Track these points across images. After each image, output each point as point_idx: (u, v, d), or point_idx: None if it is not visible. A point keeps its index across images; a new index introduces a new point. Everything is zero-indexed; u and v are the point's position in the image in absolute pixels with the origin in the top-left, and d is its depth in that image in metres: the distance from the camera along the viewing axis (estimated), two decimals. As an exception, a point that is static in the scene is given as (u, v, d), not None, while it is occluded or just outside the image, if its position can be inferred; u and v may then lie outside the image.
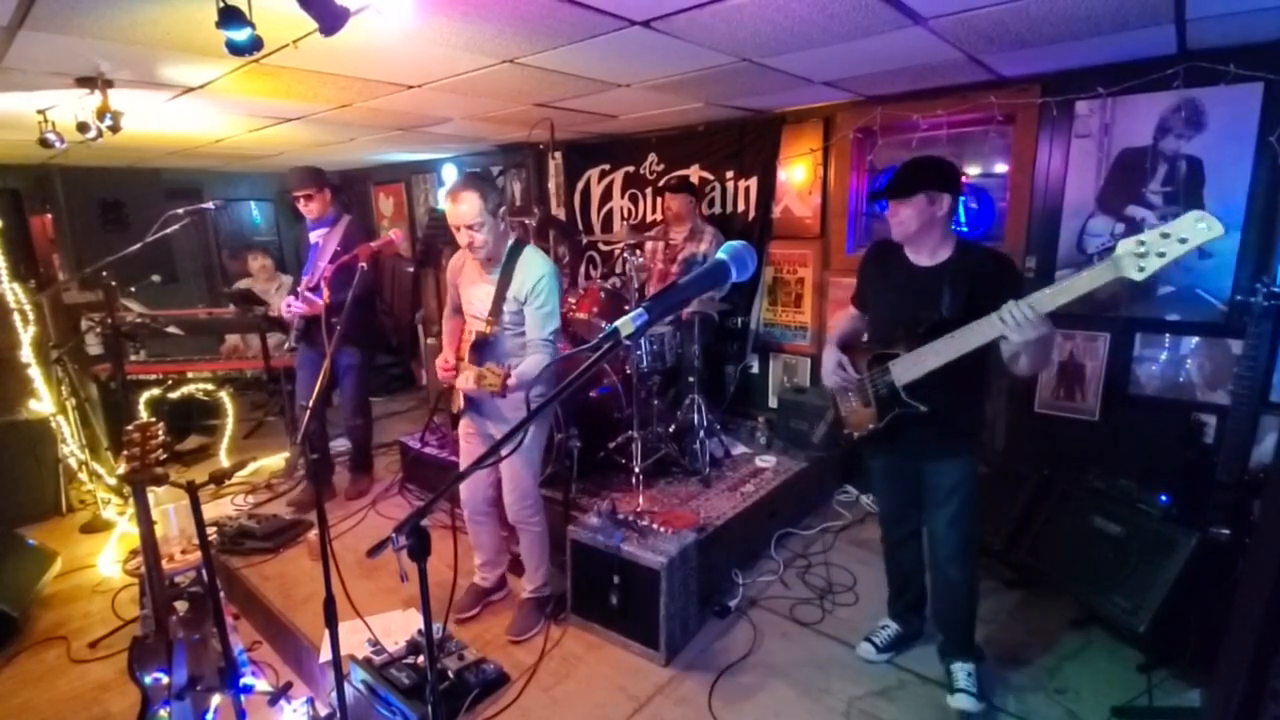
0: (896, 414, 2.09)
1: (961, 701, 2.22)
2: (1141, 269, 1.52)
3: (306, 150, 5.45)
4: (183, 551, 2.67)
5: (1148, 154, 2.97)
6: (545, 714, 2.29)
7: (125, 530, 3.69)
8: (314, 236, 3.63)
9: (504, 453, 1.15)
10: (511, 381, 2.10)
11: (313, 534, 3.32)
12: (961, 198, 3.70)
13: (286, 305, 3.46)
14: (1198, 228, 1.47)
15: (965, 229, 3.66)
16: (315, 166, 3.65)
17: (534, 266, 2.34)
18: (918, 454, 2.22)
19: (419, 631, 2.48)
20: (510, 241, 2.40)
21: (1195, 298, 2.91)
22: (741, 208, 4.42)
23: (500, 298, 2.34)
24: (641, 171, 4.92)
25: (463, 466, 2.66)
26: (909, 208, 2.02)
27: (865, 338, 2.33)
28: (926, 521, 2.30)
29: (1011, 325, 1.72)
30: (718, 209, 4.52)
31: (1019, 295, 1.75)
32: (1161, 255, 1.50)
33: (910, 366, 2.03)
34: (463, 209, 2.23)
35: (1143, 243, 1.51)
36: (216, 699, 2.02)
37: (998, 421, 3.43)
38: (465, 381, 2.28)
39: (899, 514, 2.47)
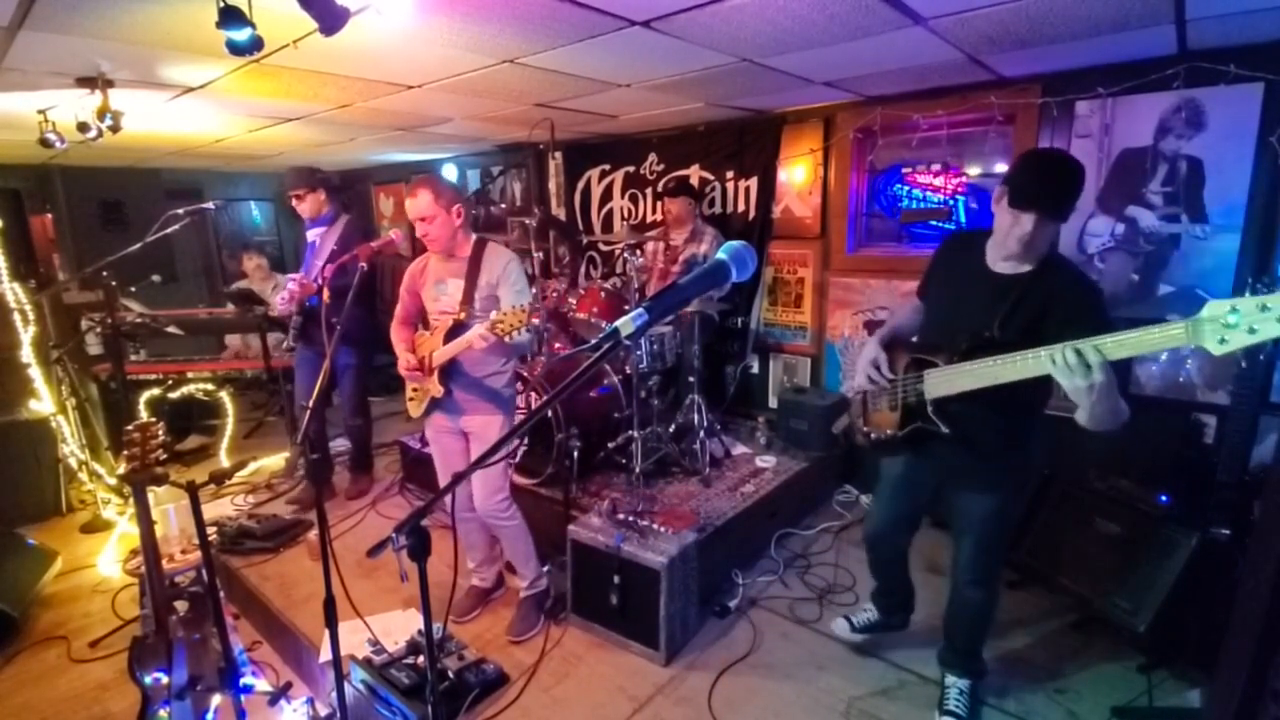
0: (917, 426, 1.91)
1: None
2: (1223, 342, 1.23)
3: (307, 150, 5.45)
4: (183, 551, 2.68)
5: (1148, 154, 2.97)
6: (545, 714, 2.29)
7: (125, 530, 3.70)
8: (311, 235, 3.63)
9: (505, 450, 1.14)
10: (523, 331, 2.18)
11: (313, 534, 3.33)
12: (961, 198, 3.75)
13: (281, 300, 3.47)
14: None
15: (965, 227, 3.66)
16: (309, 166, 3.65)
17: (501, 255, 2.54)
18: (936, 472, 2.09)
19: (419, 631, 2.48)
20: (473, 238, 2.57)
21: (1195, 297, 2.90)
22: (741, 208, 4.42)
23: (472, 285, 2.48)
24: (642, 171, 4.92)
25: (439, 467, 2.68)
26: (1055, 225, 1.76)
27: (915, 336, 2.14)
28: (953, 540, 2.15)
29: (1061, 367, 1.49)
30: (718, 209, 4.52)
31: (1095, 333, 1.52)
32: (1253, 332, 1.20)
33: (943, 381, 1.83)
34: (415, 203, 2.40)
35: (1235, 310, 1.21)
36: (216, 699, 2.02)
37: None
38: (475, 335, 2.22)
39: (887, 530, 2.34)
